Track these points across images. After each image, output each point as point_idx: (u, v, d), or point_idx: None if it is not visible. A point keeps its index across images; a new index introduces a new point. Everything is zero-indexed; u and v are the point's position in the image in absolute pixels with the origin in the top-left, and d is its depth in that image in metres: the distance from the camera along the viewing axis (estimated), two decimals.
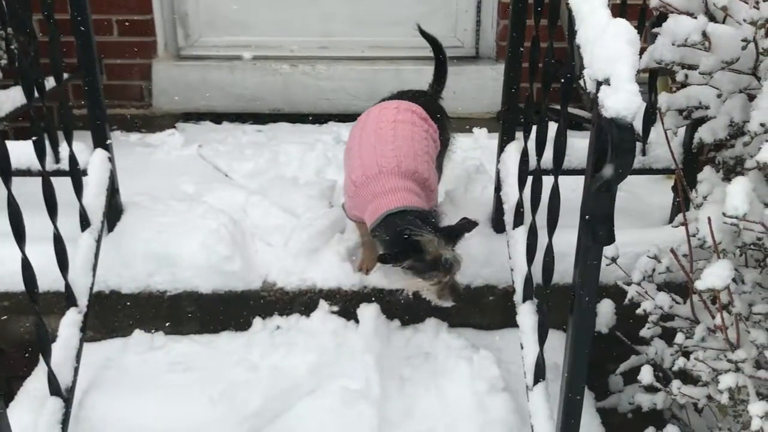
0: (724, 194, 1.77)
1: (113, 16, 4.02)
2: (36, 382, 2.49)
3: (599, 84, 1.64)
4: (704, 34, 1.89)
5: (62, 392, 2.23)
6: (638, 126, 2.72)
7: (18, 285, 2.44)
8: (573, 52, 1.86)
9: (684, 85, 2.18)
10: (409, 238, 2.40)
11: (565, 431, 2.08)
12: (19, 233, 2.02)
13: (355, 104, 4.06)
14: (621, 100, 1.57)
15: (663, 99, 2.25)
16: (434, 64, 3.16)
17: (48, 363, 2.18)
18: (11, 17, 2.32)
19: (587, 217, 1.78)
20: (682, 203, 2.15)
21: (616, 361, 2.71)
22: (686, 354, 2.15)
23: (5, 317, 2.76)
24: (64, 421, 2.22)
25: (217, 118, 4.18)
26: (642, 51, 2.06)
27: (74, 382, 2.32)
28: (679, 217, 2.18)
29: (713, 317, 1.99)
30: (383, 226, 2.49)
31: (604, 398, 2.81)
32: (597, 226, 1.76)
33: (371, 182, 2.56)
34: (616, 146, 1.60)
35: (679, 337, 2.16)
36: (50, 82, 2.64)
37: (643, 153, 2.81)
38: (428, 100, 2.98)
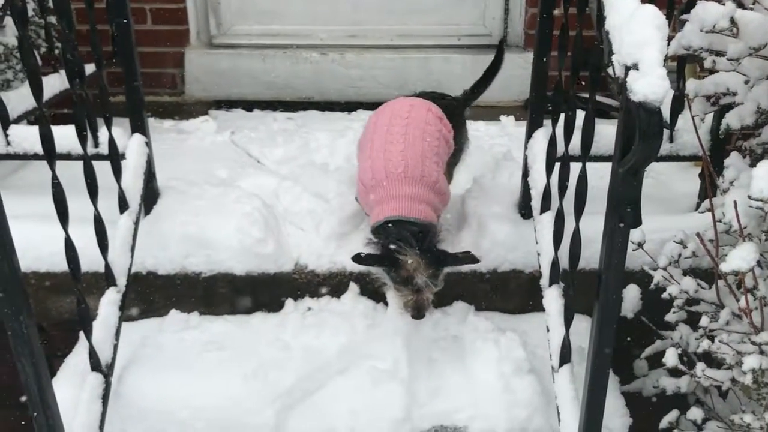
0: (750, 179, 1.79)
1: (147, 5, 4.11)
2: (77, 358, 2.57)
3: (627, 69, 1.66)
4: (732, 21, 1.90)
5: (102, 368, 2.31)
6: (666, 113, 2.73)
7: (58, 265, 2.53)
8: (602, 38, 1.88)
9: (712, 71, 2.18)
10: (392, 251, 2.46)
11: (590, 412, 2.10)
12: (63, 214, 2.08)
13: (383, 92, 4.09)
14: (649, 84, 1.59)
15: (691, 85, 2.26)
16: (482, 74, 3.21)
17: (89, 339, 2.26)
18: (56, 5, 2.39)
19: (614, 199, 1.81)
20: (708, 189, 2.17)
21: (641, 346, 2.72)
22: (711, 338, 2.17)
23: (46, 296, 2.83)
24: (105, 396, 2.30)
25: (249, 105, 4.25)
26: (671, 40, 2.08)
27: (113, 358, 2.40)
28: (706, 203, 2.19)
29: (738, 301, 2.01)
30: (380, 230, 2.56)
31: (629, 382, 2.82)
32: (624, 209, 1.79)
33: (378, 187, 2.62)
34: (643, 130, 1.62)
35: (704, 321, 2.18)
36: (89, 69, 2.72)
37: (671, 140, 2.82)
38: (449, 103, 3.02)
